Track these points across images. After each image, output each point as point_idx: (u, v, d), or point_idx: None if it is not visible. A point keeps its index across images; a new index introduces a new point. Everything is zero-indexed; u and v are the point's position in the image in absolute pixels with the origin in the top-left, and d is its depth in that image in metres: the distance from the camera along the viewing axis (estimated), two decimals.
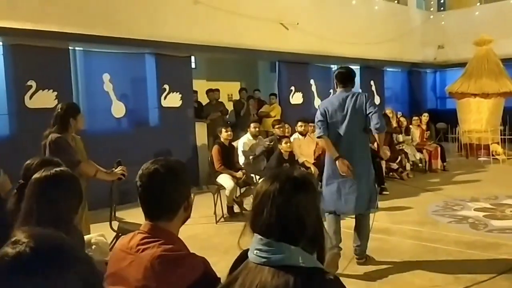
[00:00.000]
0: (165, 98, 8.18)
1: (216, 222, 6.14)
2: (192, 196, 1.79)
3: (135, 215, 6.03)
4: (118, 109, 7.62)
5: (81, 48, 7.26)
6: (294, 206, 1.35)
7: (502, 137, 10.70)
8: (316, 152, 7.12)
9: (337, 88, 4.49)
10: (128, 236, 1.73)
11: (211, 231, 5.66)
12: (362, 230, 4.45)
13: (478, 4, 14.43)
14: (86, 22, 6.93)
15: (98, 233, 3.08)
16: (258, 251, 1.37)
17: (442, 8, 15.34)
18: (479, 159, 10.67)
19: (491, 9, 13.37)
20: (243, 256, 1.51)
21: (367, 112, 4.24)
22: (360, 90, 12.37)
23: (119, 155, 7.24)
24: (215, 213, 6.22)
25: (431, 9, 14.96)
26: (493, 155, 10.41)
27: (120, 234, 3.77)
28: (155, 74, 8.12)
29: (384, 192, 7.53)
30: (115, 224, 4.48)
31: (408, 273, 4.20)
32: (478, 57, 11.19)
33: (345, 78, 4.41)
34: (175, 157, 1.90)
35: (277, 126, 7.06)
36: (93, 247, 2.61)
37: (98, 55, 7.48)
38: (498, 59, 11.09)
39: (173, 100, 8.30)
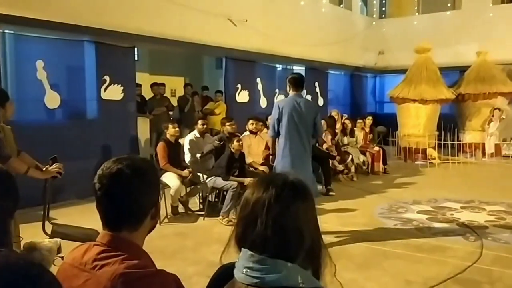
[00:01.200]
0: (105, 90, 7.65)
1: (160, 223, 5.79)
2: (160, 201, 1.52)
3: (69, 215, 5.58)
4: (52, 99, 7.01)
5: (12, 31, 6.60)
6: (293, 215, 1.16)
7: (437, 142, 11.17)
8: (265, 152, 6.96)
9: (289, 91, 5.06)
10: (81, 248, 1.43)
11: (154, 233, 5.15)
12: None
13: (417, 14, 15.05)
14: (18, 2, 6.31)
15: (50, 239, 2.64)
16: (248, 270, 1.15)
17: (383, 16, 15.84)
18: (416, 162, 11.08)
19: (428, 19, 13.99)
20: (224, 273, 1.27)
21: (316, 120, 5.11)
22: (305, 91, 12.47)
23: (52, 148, 6.68)
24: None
25: (373, 15, 15.40)
26: (429, 159, 10.84)
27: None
28: (94, 63, 7.57)
29: (331, 193, 7.58)
30: (49, 227, 4.01)
31: (360, 277, 4.14)
32: (417, 64, 11.63)
33: (298, 83, 5.02)
34: (141, 156, 1.59)
35: (228, 123, 6.82)
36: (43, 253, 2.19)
37: (31, 40, 6.85)
38: (436, 67, 11.58)
39: (114, 92, 7.79)
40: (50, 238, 3.69)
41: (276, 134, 5.16)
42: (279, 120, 5.04)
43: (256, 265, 1.14)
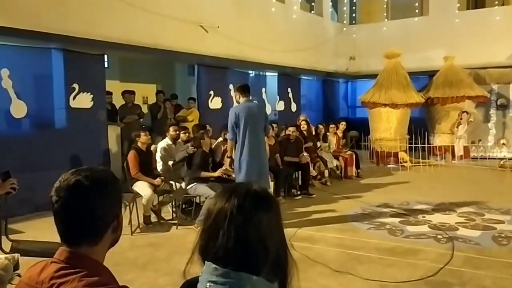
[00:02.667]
0: (74, 98, 7.48)
1: (132, 233, 5.67)
2: (122, 213, 1.45)
3: (38, 229, 5.39)
4: (18, 109, 6.80)
5: None
6: (256, 226, 1.12)
7: (408, 145, 11.37)
8: None
9: (239, 98, 5.72)
10: (38, 266, 1.35)
11: (125, 244, 5.18)
12: None
13: (386, 20, 15.34)
14: None
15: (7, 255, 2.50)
16: (212, 284, 1.11)
17: (353, 22, 16.08)
18: (388, 166, 11.24)
19: (397, 25, 14.28)
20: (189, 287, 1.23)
21: (266, 121, 5.98)
22: (278, 97, 12.54)
23: (19, 160, 6.53)
24: (130, 223, 5.74)
25: (344, 22, 15.62)
26: (400, 163, 11.01)
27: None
28: (62, 71, 7.39)
29: (312, 196, 7.88)
30: (7, 245, 3.82)
31: (335, 283, 4.14)
32: (387, 69, 11.83)
33: (246, 90, 5.69)
34: (101, 166, 1.51)
35: (201, 131, 6.74)
36: None
37: None
38: (406, 72, 11.81)
39: (83, 100, 7.62)
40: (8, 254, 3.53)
41: (235, 137, 5.68)
42: (236, 124, 5.58)
43: (220, 278, 1.10)
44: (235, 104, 6.51)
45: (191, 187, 5.99)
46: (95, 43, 7.47)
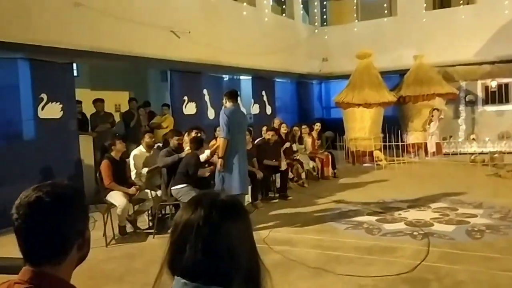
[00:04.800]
0: (42, 108, 7.29)
1: (107, 244, 5.54)
2: (89, 229, 1.40)
3: (5, 245, 5.20)
4: None
5: None
6: (224, 237, 1.08)
7: (383, 144, 11.52)
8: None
9: (226, 103, 5.95)
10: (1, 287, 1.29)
11: (101, 256, 5.06)
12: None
13: (356, 21, 15.55)
14: None
15: None
16: None
17: (325, 23, 16.23)
18: (364, 165, 11.36)
19: (368, 26, 14.48)
20: None
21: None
22: (252, 100, 12.53)
23: None
24: (105, 234, 5.62)
25: (315, 23, 15.75)
26: (376, 161, 11.14)
27: None
28: (30, 81, 7.20)
29: (289, 198, 7.91)
30: None
31: (315, 286, 4.13)
32: (360, 69, 11.98)
33: (234, 96, 5.98)
34: (66, 181, 1.45)
35: (176, 138, 6.64)
36: None
37: None
38: (377, 71, 11.97)
39: (52, 110, 7.44)
40: None
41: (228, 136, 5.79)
42: (228, 125, 5.72)
43: None
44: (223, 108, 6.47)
45: (181, 188, 5.85)
46: (63, 51, 7.31)
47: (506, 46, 12.27)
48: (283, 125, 9.02)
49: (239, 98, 11.93)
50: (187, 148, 6.40)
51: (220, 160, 5.76)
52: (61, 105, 7.55)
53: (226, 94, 6.05)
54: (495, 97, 12.71)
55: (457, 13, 13.32)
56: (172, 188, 5.95)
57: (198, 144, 6.16)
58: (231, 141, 5.74)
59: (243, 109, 11.90)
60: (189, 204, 1.14)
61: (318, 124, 10.36)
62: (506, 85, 12.64)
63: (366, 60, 11.94)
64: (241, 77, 12.64)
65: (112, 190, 5.89)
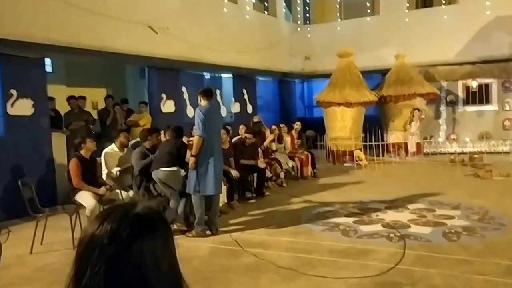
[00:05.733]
0: (12, 105, 7.04)
1: (75, 247, 5.32)
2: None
3: None
4: None
5: None
6: (134, 259, 0.91)
7: (364, 143, 11.46)
8: None
9: (200, 102, 5.80)
10: None
11: (67, 259, 4.84)
12: (217, 205, 5.91)
13: (339, 20, 15.49)
14: None
15: None
16: None
17: (307, 22, 16.14)
18: (344, 164, 11.29)
19: (350, 25, 14.44)
20: None
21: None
22: (233, 99, 12.37)
23: None
24: (73, 236, 5.41)
25: (298, 22, 15.63)
26: (356, 161, 11.08)
27: None
28: None
29: (266, 194, 7.98)
30: None
31: None
32: (341, 69, 11.90)
33: (209, 94, 5.84)
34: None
35: (155, 135, 6.48)
36: None
37: None
38: (358, 71, 11.91)
39: (22, 107, 7.19)
40: None
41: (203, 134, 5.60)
42: (204, 123, 5.56)
43: None
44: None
45: (171, 170, 5.80)
46: (33, 45, 7.06)
47: (487, 47, 12.34)
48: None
49: (219, 97, 11.87)
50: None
51: (192, 158, 5.57)
52: (32, 102, 7.30)
53: (200, 92, 5.89)
54: (475, 97, 12.77)
55: (439, 13, 13.34)
56: (161, 169, 5.79)
57: (178, 133, 6.14)
58: (206, 139, 5.58)
59: (223, 108, 11.85)
60: (98, 216, 0.98)
61: (298, 123, 10.25)
62: (487, 85, 12.71)
63: (347, 59, 11.87)
64: (223, 75, 12.46)
65: (81, 190, 5.69)
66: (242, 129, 8.31)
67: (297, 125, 10.12)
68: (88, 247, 0.93)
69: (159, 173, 5.80)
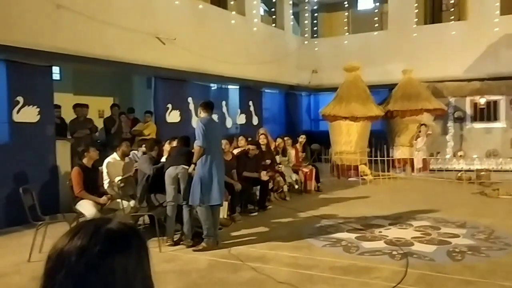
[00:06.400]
0: (18, 111, 7.07)
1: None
2: None
3: None
4: None
5: None
6: (104, 276, 0.86)
7: (369, 158, 11.36)
8: None
9: (200, 114, 5.89)
10: None
11: None
12: (218, 217, 5.91)
13: (347, 33, 15.49)
14: None
15: None
16: None
17: (315, 35, 16.17)
18: (349, 179, 11.19)
19: (358, 39, 14.45)
20: None
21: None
22: (239, 110, 12.37)
23: None
24: None
25: (306, 35, 15.67)
26: (361, 176, 10.98)
27: None
28: (5, 83, 6.99)
29: (268, 207, 7.96)
30: None
31: None
32: (347, 83, 11.86)
33: (210, 107, 5.91)
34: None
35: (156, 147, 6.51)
36: None
37: None
38: (365, 85, 11.87)
39: (28, 114, 7.22)
40: None
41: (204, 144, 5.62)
42: (204, 134, 5.58)
43: None
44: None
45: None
46: (41, 53, 7.12)
47: (495, 63, 12.26)
48: (262, 136, 8.76)
49: (225, 108, 11.88)
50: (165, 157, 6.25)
51: (192, 165, 5.63)
52: (38, 109, 7.34)
53: (201, 104, 5.95)
54: (483, 114, 12.65)
55: (448, 29, 13.31)
56: (180, 166, 5.76)
57: (186, 142, 6.24)
58: (207, 150, 5.59)
59: (228, 119, 11.85)
60: (68, 231, 0.93)
61: (303, 136, 10.19)
62: (495, 102, 12.60)
63: (354, 73, 11.84)
64: (229, 86, 12.48)
65: (82, 199, 5.67)
66: (241, 140, 8.28)
67: (302, 138, 10.07)
68: (56, 263, 0.88)
69: (178, 168, 5.78)
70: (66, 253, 0.87)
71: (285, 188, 8.81)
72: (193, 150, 5.91)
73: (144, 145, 6.77)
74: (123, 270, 0.88)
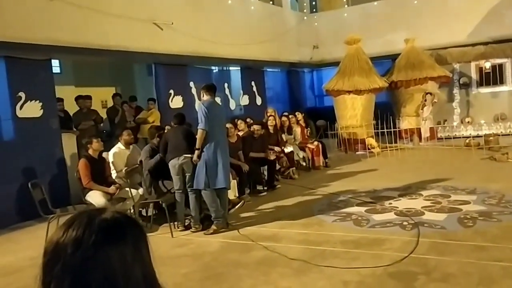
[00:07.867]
0: (21, 107, 7.07)
1: None
2: None
3: None
4: None
5: None
6: (102, 267, 0.85)
7: (376, 131, 11.29)
8: None
9: (203, 97, 5.84)
10: None
11: None
12: (226, 200, 5.88)
13: (346, 6, 15.24)
14: None
15: None
16: None
17: (314, 10, 15.92)
18: (357, 153, 11.15)
19: (357, 11, 14.21)
20: None
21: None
22: (242, 92, 12.29)
23: None
24: None
25: (304, 10, 15.44)
26: (368, 149, 10.93)
27: None
28: (6, 80, 6.97)
29: (277, 187, 7.93)
30: None
31: (296, 284, 3.95)
32: (349, 56, 11.72)
33: (212, 90, 5.85)
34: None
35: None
36: None
37: None
38: (367, 57, 11.71)
39: (31, 109, 7.22)
40: None
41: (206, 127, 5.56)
42: (207, 117, 5.54)
43: None
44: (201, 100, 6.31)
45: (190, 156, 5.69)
46: (39, 47, 7.07)
47: (499, 26, 12.01)
48: (271, 117, 8.71)
49: (227, 90, 11.81)
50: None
51: (196, 151, 5.55)
52: (40, 103, 7.34)
53: (203, 87, 5.88)
54: (489, 78, 12.47)
55: None
56: (183, 155, 5.69)
57: (180, 119, 6.14)
58: (211, 133, 5.56)
59: (232, 101, 11.79)
60: (63, 224, 0.91)
61: (298, 113, 10.01)
62: (500, 65, 12.41)
63: (355, 45, 11.68)
64: (230, 68, 12.38)
65: (91, 189, 5.70)
66: (240, 124, 8.24)
67: (299, 115, 9.89)
68: (53, 257, 0.86)
69: (180, 159, 5.70)
70: (61, 245, 0.86)
71: (292, 169, 8.73)
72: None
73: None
74: (120, 259, 0.87)
